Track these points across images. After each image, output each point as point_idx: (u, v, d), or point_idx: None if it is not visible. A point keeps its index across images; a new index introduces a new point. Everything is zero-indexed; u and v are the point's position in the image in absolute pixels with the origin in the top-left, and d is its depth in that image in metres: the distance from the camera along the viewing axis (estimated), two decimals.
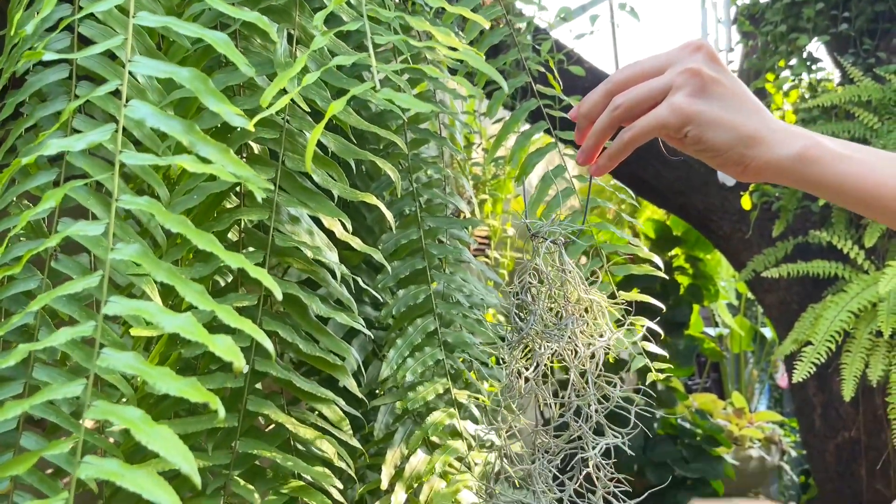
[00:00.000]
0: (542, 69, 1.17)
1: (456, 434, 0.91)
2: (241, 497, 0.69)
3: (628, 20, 2.77)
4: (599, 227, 0.96)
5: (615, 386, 0.63)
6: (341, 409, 0.77)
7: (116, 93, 0.57)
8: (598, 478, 0.62)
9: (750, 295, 3.67)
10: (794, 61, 2.30)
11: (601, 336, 0.64)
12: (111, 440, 0.67)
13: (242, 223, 0.75)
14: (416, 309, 0.94)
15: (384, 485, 0.83)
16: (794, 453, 3.66)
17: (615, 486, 0.62)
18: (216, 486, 0.69)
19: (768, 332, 4.18)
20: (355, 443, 0.78)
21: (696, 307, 3.41)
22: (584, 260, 0.97)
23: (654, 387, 2.79)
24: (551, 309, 0.64)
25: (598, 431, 0.63)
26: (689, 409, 3.21)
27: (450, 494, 0.83)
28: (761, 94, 2.31)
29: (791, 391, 2.56)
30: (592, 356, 0.63)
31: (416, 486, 0.85)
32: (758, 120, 0.56)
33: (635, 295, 0.85)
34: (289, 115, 0.74)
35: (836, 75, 2.39)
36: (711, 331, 4.13)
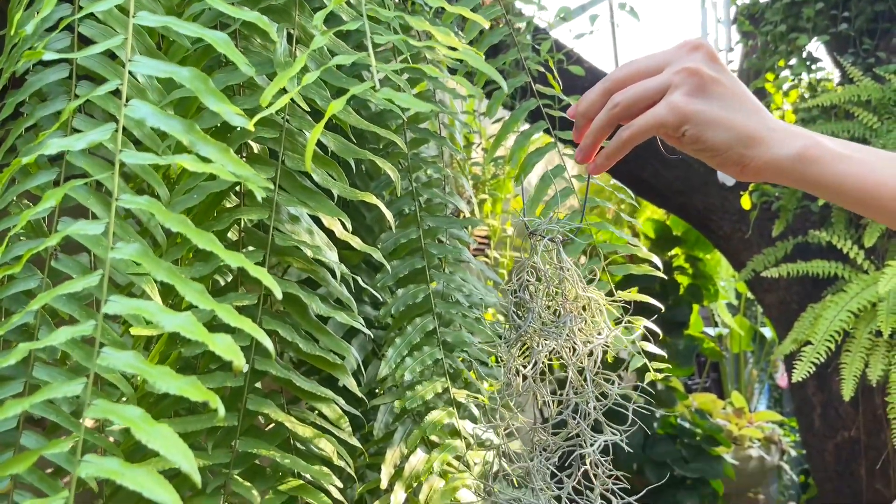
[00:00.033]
0: (542, 69, 1.17)
1: (455, 433, 0.91)
2: (240, 496, 0.69)
3: (628, 20, 2.77)
4: (599, 227, 0.96)
5: (613, 383, 0.63)
6: (341, 408, 0.77)
7: (116, 92, 0.58)
8: (595, 475, 0.62)
9: (750, 295, 3.67)
10: (793, 61, 2.29)
11: (599, 334, 0.64)
12: (111, 439, 0.67)
13: (242, 222, 0.75)
14: (416, 308, 0.94)
15: (384, 484, 0.84)
16: (793, 453, 3.65)
17: (613, 484, 0.62)
18: (216, 484, 0.69)
19: (768, 332, 4.18)
20: (355, 442, 0.78)
21: (695, 307, 3.40)
22: (582, 259, 0.97)
23: (653, 386, 2.79)
24: (549, 307, 0.64)
25: (597, 429, 0.63)
26: (689, 408, 3.21)
27: (449, 493, 0.84)
28: (761, 93, 2.31)
29: (790, 391, 2.56)
30: (590, 354, 0.63)
31: (415, 485, 0.85)
32: (757, 120, 0.56)
33: (633, 294, 0.85)
34: (288, 114, 0.74)
35: (835, 75, 2.39)
36: (711, 330, 4.12)
